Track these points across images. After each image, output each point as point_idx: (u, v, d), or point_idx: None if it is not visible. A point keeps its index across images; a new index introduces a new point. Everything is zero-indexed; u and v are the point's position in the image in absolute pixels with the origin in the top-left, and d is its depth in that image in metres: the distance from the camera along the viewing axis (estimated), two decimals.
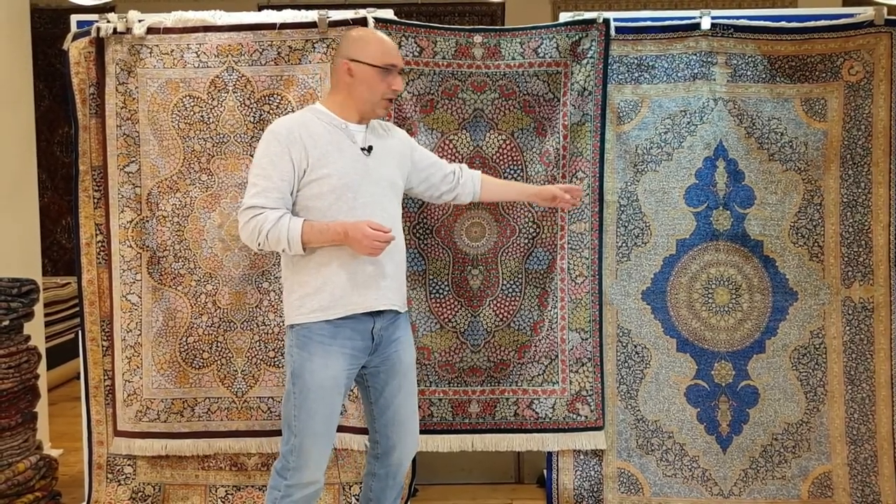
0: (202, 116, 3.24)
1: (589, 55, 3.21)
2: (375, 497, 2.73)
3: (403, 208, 3.24)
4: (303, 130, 2.49)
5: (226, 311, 3.26)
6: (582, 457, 3.31)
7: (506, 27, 3.42)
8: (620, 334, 3.31)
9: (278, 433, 3.26)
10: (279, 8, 3.38)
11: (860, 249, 3.24)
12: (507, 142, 3.26)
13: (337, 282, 2.48)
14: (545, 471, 3.37)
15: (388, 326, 2.59)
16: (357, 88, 2.53)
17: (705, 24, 3.20)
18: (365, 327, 2.53)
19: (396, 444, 2.66)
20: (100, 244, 3.29)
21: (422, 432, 3.27)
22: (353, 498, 3.29)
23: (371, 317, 2.53)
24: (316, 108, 2.58)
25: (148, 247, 3.26)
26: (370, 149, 2.57)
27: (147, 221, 3.26)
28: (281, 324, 3.25)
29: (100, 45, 3.21)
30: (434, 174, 2.79)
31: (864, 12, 3.21)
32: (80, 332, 3.34)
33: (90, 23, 3.25)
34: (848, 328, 3.26)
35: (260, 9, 3.64)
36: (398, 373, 2.63)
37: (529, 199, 3.05)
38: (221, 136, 3.23)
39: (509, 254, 3.28)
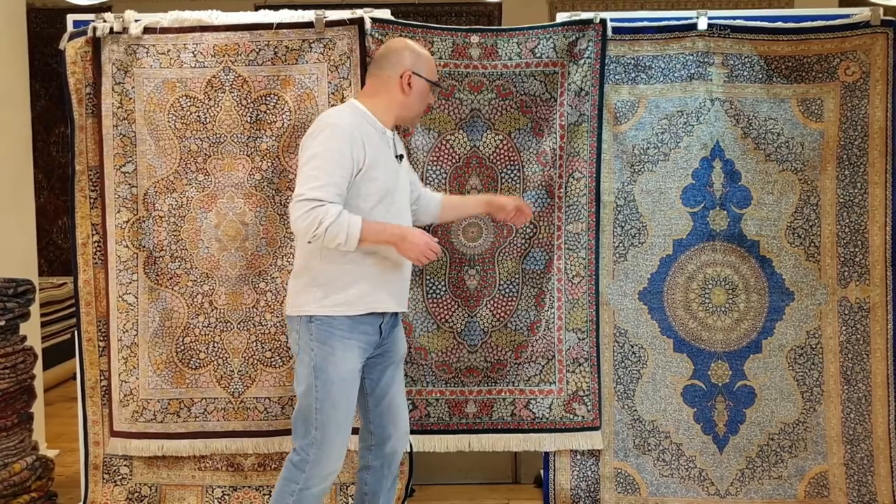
0: (199, 116, 3.23)
1: (586, 55, 3.21)
2: (371, 490, 2.74)
3: None
4: (361, 130, 2.53)
5: (222, 311, 3.26)
6: (579, 457, 3.32)
7: (503, 27, 3.42)
8: (617, 334, 3.31)
9: (275, 433, 3.27)
10: (276, 8, 3.38)
11: (856, 250, 3.25)
12: (505, 142, 3.26)
13: (368, 280, 2.55)
14: (542, 471, 3.38)
15: (391, 321, 2.67)
16: (411, 100, 2.63)
17: (702, 24, 3.21)
18: (377, 322, 2.61)
19: (392, 433, 2.72)
20: (96, 244, 3.29)
21: (419, 432, 3.29)
22: (349, 498, 3.29)
23: (382, 313, 2.61)
24: (361, 109, 2.60)
25: (144, 247, 3.26)
26: (401, 157, 2.67)
27: (143, 221, 3.25)
28: (278, 324, 3.24)
29: (96, 44, 3.21)
30: (415, 190, 2.85)
31: (861, 13, 3.21)
32: (76, 332, 3.34)
33: (86, 22, 3.25)
34: (844, 328, 3.26)
35: (257, 9, 3.64)
36: (393, 363, 2.71)
37: (485, 209, 2.93)
38: (218, 136, 3.23)
39: (506, 254, 3.28)
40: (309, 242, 2.48)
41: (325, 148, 2.47)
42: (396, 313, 2.69)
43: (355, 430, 3.20)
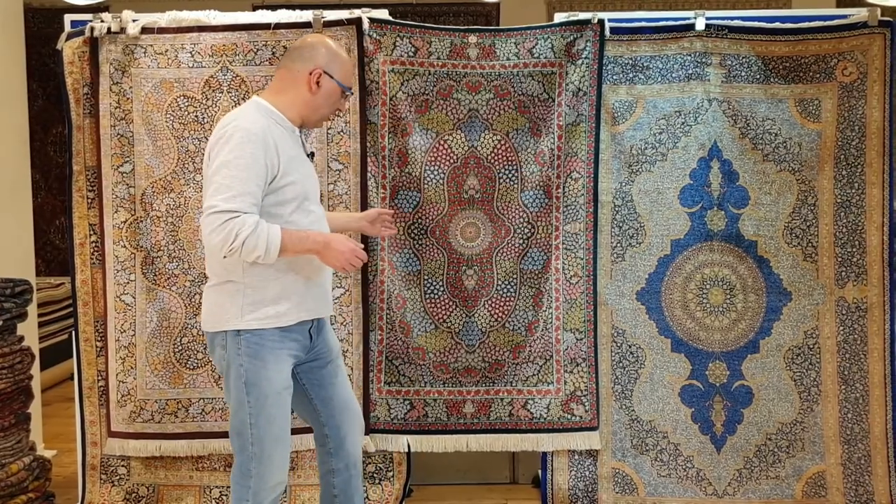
0: (197, 116, 3.23)
1: (584, 55, 3.21)
2: (342, 491, 2.65)
3: (399, 208, 3.26)
4: (272, 133, 2.39)
5: None
6: (577, 457, 3.32)
7: (501, 27, 3.43)
8: (615, 334, 3.32)
9: None
10: (274, 8, 3.38)
11: (854, 250, 3.25)
12: (502, 142, 3.26)
13: (295, 289, 2.46)
14: (540, 471, 3.38)
15: (317, 324, 2.59)
16: (317, 100, 2.49)
17: (700, 24, 3.21)
18: (306, 328, 2.53)
19: (347, 431, 2.63)
20: (94, 244, 3.28)
21: (417, 433, 3.29)
22: None
23: (312, 319, 2.54)
24: (268, 108, 2.46)
25: (142, 247, 3.25)
26: (311, 155, 2.60)
27: (141, 222, 3.25)
28: None
29: (94, 44, 3.20)
30: None
31: (858, 13, 3.22)
32: (73, 332, 3.33)
33: (84, 22, 3.24)
34: (842, 328, 3.26)
35: (254, 9, 3.64)
36: (330, 360, 2.63)
37: (358, 226, 2.86)
38: None
39: (504, 254, 3.28)
40: (224, 258, 2.33)
41: (236, 155, 2.31)
42: (314, 321, 2.58)
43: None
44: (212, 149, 2.40)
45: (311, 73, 2.46)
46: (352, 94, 2.57)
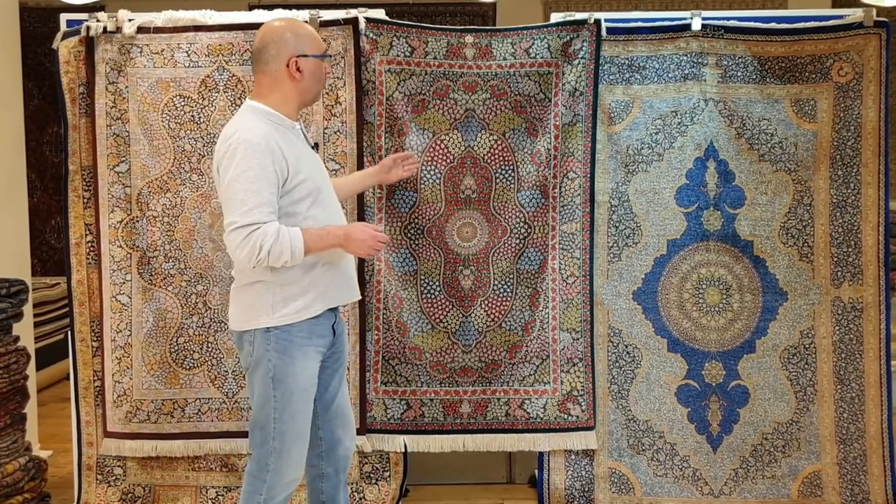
0: (193, 116, 3.23)
1: (580, 56, 3.21)
2: (330, 497, 2.68)
3: (395, 208, 3.26)
4: (275, 137, 2.41)
5: (216, 311, 3.25)
6: (573, 457, 3.32)
7: (497, 27, 3.43)
8: (611, 334, 3.32)
9: None
10: (270, 8, 3.37)
11: (850, 250, 3.26)
12: (499, 142, 3.26)
13: (322, 280, 2.49)
14: (536, 471, 3.38)
15: (337, 320, 2.62)
16: (305, 84, 2.49)
17: (696, 24, 3.21)
18: (329, 322, 2.55)
19: (342, 437, 2.66)
20: (89, 244, 3.28)
21: (413, 432, 3.30)
22: None
23: (332, 311, 2.56)
24: (264, 110, 2.47)
25: (138, 247, 3.25)
26: (316, 146, 2.62)
27: (137, 221, 3.25)
28: None
29: (89, 44, 3.20)
30: None
31: (854, 14, 3.23)
32: (69, 332, 3.33)
33: (80, 22, 3.24)
34: (837, 328, 3.27)
35: (251, 8, 3.64)
36: (341, 366, 2.67)
37: (376, 179, 2.96)
38: (212, 135, 3.22)
39: (501, 254, 3.28)
40: (254, 268, 2.39)
41: (244, 168, 2.34)
42: (337, 317, 2.62)
43: None
44: (219, 164, 2.43)
45: (287, 66, 2.47)
46: (331, 57, 2.58)
